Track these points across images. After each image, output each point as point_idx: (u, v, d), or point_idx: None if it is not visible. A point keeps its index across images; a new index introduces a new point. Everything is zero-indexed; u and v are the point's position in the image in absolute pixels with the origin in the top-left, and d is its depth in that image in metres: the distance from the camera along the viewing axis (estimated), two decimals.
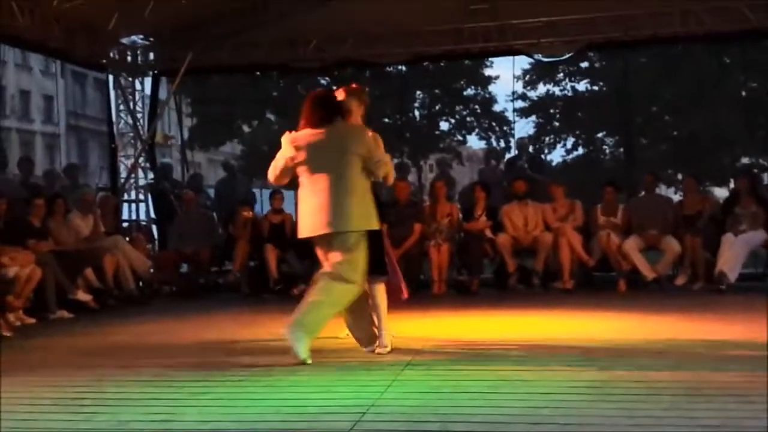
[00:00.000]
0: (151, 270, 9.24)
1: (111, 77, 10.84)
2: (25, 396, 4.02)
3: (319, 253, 4.86)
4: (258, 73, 16.02)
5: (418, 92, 23.56)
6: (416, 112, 24.31)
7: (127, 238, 9.30)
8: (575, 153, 24.03)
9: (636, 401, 3.51)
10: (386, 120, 24.14)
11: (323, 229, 4.68)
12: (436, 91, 23.48)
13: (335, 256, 4.70)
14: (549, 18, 9.77)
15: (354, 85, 5.17)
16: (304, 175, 4.79)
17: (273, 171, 4.90)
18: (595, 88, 23.49)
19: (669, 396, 3.55)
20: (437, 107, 24.28)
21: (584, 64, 22.66)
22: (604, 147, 24.61)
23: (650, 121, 22.16)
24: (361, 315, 4.94)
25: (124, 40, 10.68)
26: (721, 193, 17.33)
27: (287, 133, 4.91)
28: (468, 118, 24.39)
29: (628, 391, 3.68)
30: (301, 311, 4.61)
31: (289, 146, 4.80)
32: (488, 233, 9.05)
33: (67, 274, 7.54)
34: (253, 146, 23.78)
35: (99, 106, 28.18)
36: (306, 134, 4.80)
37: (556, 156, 23.96)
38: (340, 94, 4.99)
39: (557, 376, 4.11)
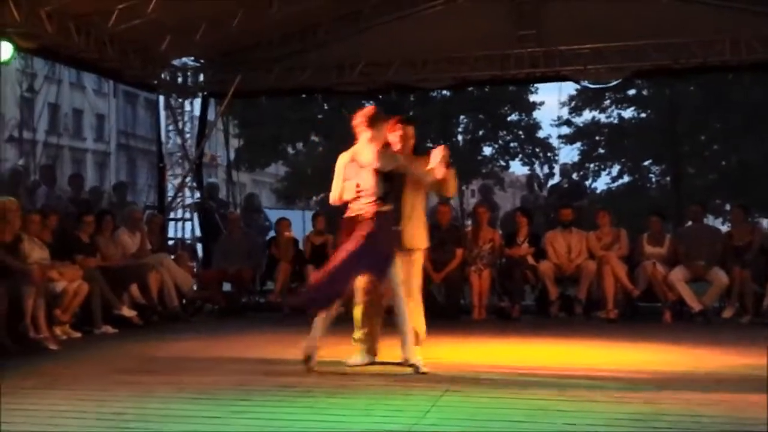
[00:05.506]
0: (195, 288, 9.34)
1: (161, 98, 11.06)
2: (69, 409, 4.09)
3: None
4: (304, 95, 16.16)
5: (461, 117, 23.56)
6: (459, 137, 24.30)
7: (172, 256, 9.41)
8: (620, 181, 23.78)
9: None
10: (429, 144, 24.16)
11: None
12: (480, 116, 23.45)
13: None
14: (596, 45, 9.73)
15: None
16: None
17: None
18: (643, 115, 23.22)
19: (714, 431, 3.47)
20: (481, 132, 24.23)
21: (631, 92, 22.46)
22: (651, 175, 24.31)
23: (698, 150, 21.83)
24: None
25: (175, 62, 10.87)
26: None
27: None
28: (511, 144, 24.30)
29: (673, 425, 3.61)
30: None
31: None
32: (530, 260, 8.98)
33: (112, 290, 7.65)
34: (298, 168, 23.99)
35: (149, 126, 28.74)
36: None
37: (601, 184, 23.73)
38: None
39: (599, 407, 4.04)
